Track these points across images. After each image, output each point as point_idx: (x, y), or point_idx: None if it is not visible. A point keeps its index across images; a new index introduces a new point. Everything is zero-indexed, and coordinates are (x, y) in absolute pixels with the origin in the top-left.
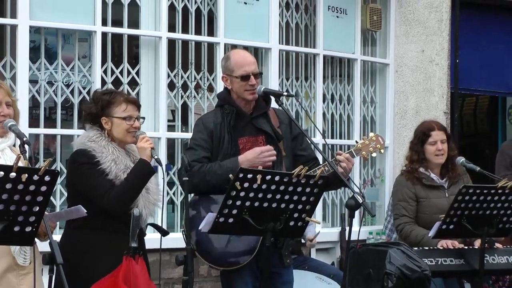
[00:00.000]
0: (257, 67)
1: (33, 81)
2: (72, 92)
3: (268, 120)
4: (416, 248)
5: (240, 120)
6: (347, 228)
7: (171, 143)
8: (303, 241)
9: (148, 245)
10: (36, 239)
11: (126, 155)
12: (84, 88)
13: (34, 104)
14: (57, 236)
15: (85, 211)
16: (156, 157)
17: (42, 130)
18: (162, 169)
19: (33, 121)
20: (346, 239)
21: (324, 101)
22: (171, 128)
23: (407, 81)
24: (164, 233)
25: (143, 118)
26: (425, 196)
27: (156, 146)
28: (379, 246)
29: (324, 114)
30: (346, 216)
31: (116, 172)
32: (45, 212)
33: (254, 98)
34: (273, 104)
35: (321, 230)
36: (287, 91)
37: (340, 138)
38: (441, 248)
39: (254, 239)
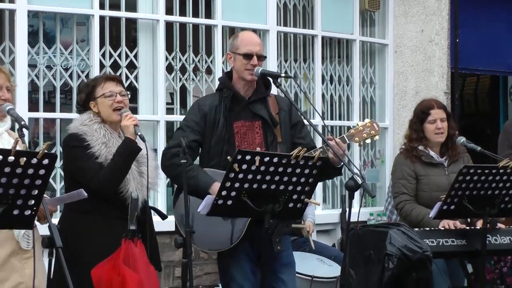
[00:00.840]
0: (262, 50)
1: (32, 66)
2: (70, 76)
3: (266, 105)
4: (417, 229)
5: (237, 104)
6: (348, 210)
7: (169, 126)
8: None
9: None
10: (36, 222)
11: (118, 138)
12: (82, 72)
13: (33, 88)
14: (55, 220)
15: (86, 194)
16: (139, 133)
17: (41, 114)
18: (146, 146)
19: (33, 105)
20: (343, 220)
21: (323, 83)
22: (169, 111)
23: (407, 62)
24: (163, 216)
25: (128, 92)
26: (425, 173)
27: (155, 129)
28: (379, 227)
29: (323, 95)
30: (347, 198)
31: (106, 155)
32: (46, 196)
33: (253, 79)
34: (274, 91)
35: (322, 211)
36: (285, 72)
37: (340, 119)
38: (443, 228)
39: (241, 223)
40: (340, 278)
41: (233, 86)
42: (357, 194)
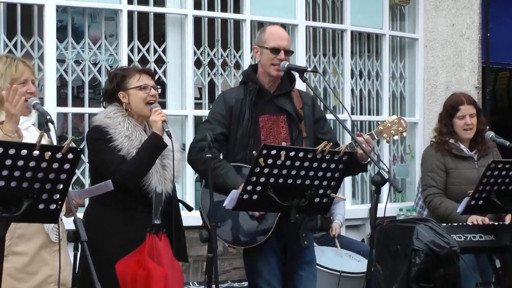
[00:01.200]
0: (290, 45)
1: (60, 61)
2: (99, 71)
3: (290, 100)
4: (444, 224)
5: (262, 98)
6: (374, 204)
7: (198, 121)
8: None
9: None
10: (62, 216)
11: (142, 131)
12: (111, 67)
13: (62, 84)
14: (80, 214)
15: (112, 186)
16: (167, 129)
17: (70, 109)
18: (172, 143)
19: (61, 101)
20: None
21: (352, 77)
22: (198, 106)
23: (437, 56)
24: (189, 208)
25: (159, 87)
26: (455, 166)
27: (184, 124)
28: (406, 222)
29: (352, 90)
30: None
31: (128, 148)
32: (74, 189)
33: (278, 75)
34: (298, 86)
35: (351, 206)
36: (314, 67)
37: (369, 114)
38: (471, 224)
39: (271, 218)
40: (366, 273)
41: (258, 80)
42: (386, 189)
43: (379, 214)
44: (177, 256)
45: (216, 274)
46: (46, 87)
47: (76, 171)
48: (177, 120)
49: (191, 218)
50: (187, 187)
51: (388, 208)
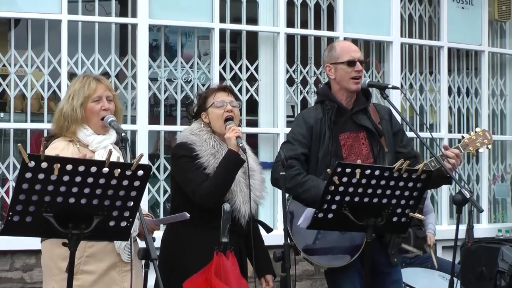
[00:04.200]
0: (362, 56)
1: (153, 79)
2: (191, 89)
3: (368, 116)
4: None
5: (341, 116)
6: (456, 224)
7: None
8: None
9: None
10: (136, 237)
11: (227, 149)
12: (203, 85)
13: (155, 102)
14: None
15: (188, 215)
16: (241, 145)
17: (162, 127)
18: (246, 158)
19: (154, 119)
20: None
21: (450, 95)
22: (290, 124)
23: None
24: (268, 229)
25: (239, 103)
26: None
27: (275, 142)
28: (491, 243)
29: (450, 108)
30: (474, 213)
31: (214, 166)
32: (149, 216)
33: (357, 88)
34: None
35: (448, 227)
36: (410, 85)
37: (467, 132)
38: None
39: (358, 238)
40: None
41: (335, 98)
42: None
43: (477, 234)
44: (266, 271)
45: None
46: (139, 105)
47: (151, 189)
48: (269, 138)
49: (266, 237)
50: (264, 206)
51: (487, 228)
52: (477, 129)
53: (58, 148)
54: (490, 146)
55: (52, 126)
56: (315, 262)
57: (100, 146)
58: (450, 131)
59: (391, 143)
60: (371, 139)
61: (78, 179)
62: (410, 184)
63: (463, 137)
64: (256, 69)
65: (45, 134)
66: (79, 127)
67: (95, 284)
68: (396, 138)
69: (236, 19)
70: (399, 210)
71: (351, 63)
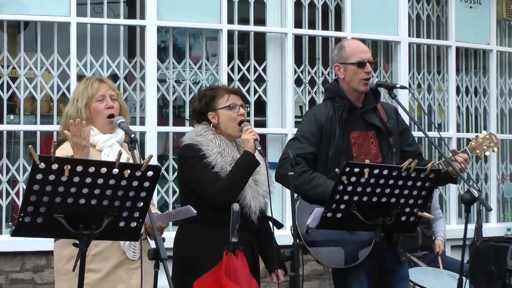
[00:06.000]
0: (371, 56)
1: (161, 80)
2: (200, 90)
3: (377, 114)
4: None
5: (352, 114)
6: (464, 223)
7: None
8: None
9: None
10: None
11: (233, 147)
12: None
13: (163, 103)
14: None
15: (195, 211)
16: (259, 148)
17: (170, 128)
18: (266, 162)
19: (163, 120)
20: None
21: (458, 94)
22: (298, 124)
23: None
24: (278, 225)
25: (247, 105)
26: None
27: (283, 142)
28: (500, 242)
29: (458, 107)
30: (483, 212)
31: (222, 165)
32: (156, 212)
33: (366, 89)
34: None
35: (456, 226)
36: (418, 84)
37: (476, 131)
38: None
39: (367, 238)
40: None
41: (346, 95)
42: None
43: (486, 234)
44: (278, 266)
45: None
46: (147, 107)
47: (160, 190)
48: (277, 139)
49: (280, 237)
50: (274, 202)
51: (495, 227)
52: (484, 132)
53: (66, 149)
54: (495, 149)
55: (60, 129)
56: (324, 261)
57: (106, 144)
58: (458, 131)
59: (398, 142)
60: (380, 138)
61: (88, 180)
62: (419, 184)
63: (477, 136)
64: (264, 69)
65: (55, 136)
66: None
67: (101, 282)
68: (402, 137)
69: (244, 20)
70: (407, 210)
71: (361, 65)
